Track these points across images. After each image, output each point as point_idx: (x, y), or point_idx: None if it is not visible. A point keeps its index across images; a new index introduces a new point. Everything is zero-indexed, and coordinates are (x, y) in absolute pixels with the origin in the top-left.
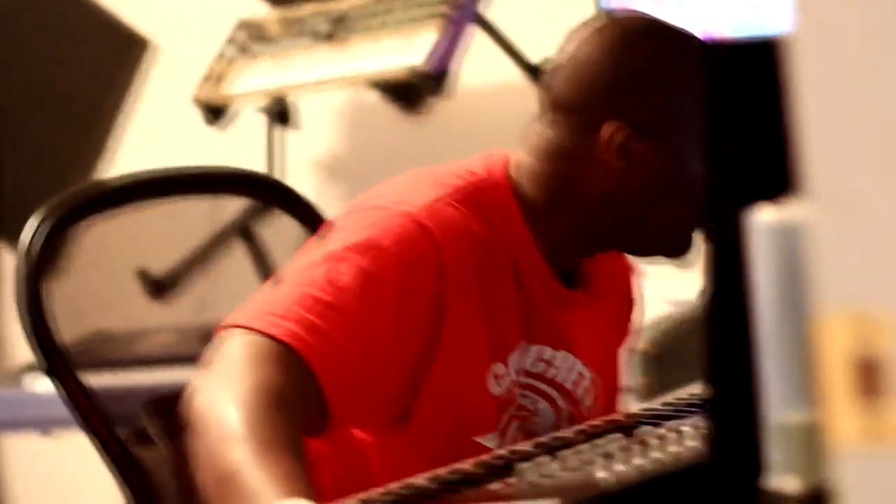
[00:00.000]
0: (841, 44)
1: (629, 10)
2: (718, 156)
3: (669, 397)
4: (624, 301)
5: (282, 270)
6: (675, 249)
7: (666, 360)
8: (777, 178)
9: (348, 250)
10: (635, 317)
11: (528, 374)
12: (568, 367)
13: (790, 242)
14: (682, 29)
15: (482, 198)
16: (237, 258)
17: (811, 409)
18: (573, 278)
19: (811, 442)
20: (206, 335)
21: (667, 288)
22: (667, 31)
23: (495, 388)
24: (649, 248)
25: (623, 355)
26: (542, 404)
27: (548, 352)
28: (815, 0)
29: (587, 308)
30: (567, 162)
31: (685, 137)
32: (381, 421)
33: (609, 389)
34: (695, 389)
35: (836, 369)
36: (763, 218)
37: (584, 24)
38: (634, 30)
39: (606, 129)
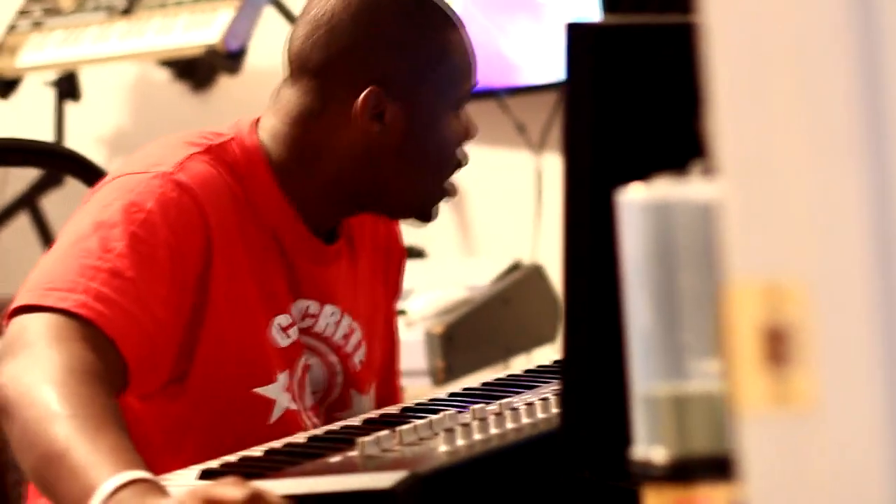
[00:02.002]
0: (752, 18)
1: None
2: (579, 136)
3: (470, 382)
4: (387, 252)
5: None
6: (423, 212)
7: (461, 344)
8: (640, 159)
9: (115, 217)
10: (401, 268)
11: (298, 329)
12: (335, 321)
13: (660, 219)
14: None
15: (232, 157)
16: (23, 231)
17: (677, 382)
18: (333, 231)
19: (679, 413)
20: None
21: (461, 272)
22: None
23: (282, 340)
24: (399, 211)
25: (395, 308)
26: (314, 359)
27: (313, 306)
28: None
29: (349, 260)
30: (317, 126)
31: (434, 99)
32: (160, 384)
33: (384, 344)
34: (484, 378)
35: (744, 337)
36: (633, 196)
37: None
38: None
39: (356, 94)
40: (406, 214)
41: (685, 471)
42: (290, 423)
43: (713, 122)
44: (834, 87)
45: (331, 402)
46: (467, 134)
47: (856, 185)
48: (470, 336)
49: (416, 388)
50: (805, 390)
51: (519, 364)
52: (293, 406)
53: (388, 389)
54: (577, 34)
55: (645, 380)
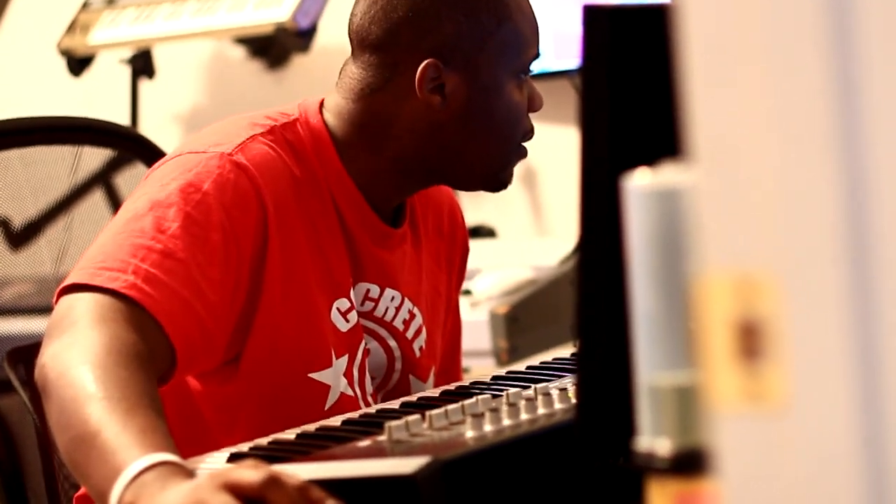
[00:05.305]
0: (726, 6)
1: None
2: (595, 121)
3: (535, 361)
4: (451, 240)
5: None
6: (494, 181)
7: (526, 324)
8: (653, 144)
9: (171, 197)
10: (465, 257)
11: (358, 313)
12: (396, 306)
13: (665, 207)
14: None
15: (296, 137)
16: (97, 209)
17: (683, 372)
18: (397, 216)
19: (683, 404)
20: None
21: (527, 253)
22: None
23: (342, 324)
24: (469, 182)
25: (458, 296)
26: (373, 344)
27: (374, 289)
28: None
29: (413, 246)
30: (380, 101)
31: (494, 68)
32: (215, 365)
33: (446, 332)
34: (557, 353)
35: (716, 331)
36: (639, 182)
37: None
38: None
39: (416, 66)
40: (476, 186)
41: (689, 464)
42: (346, 408)
43: (687, 113)
44: (807, 79)
45: (390, 389)
46: (532, 104)
47: (829, 179)
48: (535, 316)
49: (480, 369)
50: (777, 386)
51: None
52: (349, 392)
53: (450, 378)
54: (594, 16)
55: (649, 369)
